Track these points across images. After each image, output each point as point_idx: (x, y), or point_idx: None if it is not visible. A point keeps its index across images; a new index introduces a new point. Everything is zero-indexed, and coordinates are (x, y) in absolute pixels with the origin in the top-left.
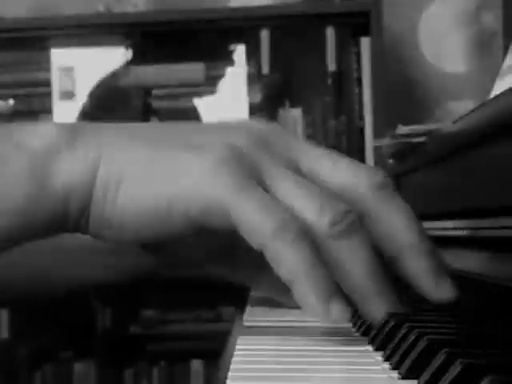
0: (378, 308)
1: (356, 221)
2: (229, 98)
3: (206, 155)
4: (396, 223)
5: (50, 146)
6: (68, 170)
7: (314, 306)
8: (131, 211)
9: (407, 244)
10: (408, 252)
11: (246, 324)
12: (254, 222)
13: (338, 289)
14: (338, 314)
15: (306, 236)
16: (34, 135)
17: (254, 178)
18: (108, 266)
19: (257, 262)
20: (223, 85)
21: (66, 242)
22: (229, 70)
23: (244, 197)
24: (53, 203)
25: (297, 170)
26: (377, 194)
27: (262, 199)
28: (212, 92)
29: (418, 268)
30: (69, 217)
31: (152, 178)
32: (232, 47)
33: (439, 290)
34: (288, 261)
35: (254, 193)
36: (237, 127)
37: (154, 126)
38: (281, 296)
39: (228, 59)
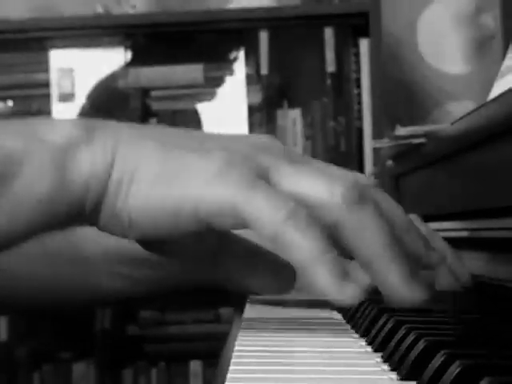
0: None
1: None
2: (228, 99)
3: (214, 157)
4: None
5: (70, 140)
6: (86, 164)
7: (329, 287)
8: (140, 208)
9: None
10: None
11: (245, 323)
12: (264, 213)
13: (348, 271)
14: (352, 293)
15: (316, 220)
16: (54, 131)
17: (260, 177)
18: (126, 277)
19: (244, 265)
20: (222, 86)
21: (87, 251)
22: (228, 77)
23: (252, 192)
24: (72, 194)
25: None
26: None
27: (270, 192)
28: (211, 94)
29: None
30: (85, 208)
31: (163, 178)
32: (233, 55)
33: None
34: (301, 247)
35: (261, 188)
36: (238, 136)
37: (165, 129)
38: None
39: (228, 67)
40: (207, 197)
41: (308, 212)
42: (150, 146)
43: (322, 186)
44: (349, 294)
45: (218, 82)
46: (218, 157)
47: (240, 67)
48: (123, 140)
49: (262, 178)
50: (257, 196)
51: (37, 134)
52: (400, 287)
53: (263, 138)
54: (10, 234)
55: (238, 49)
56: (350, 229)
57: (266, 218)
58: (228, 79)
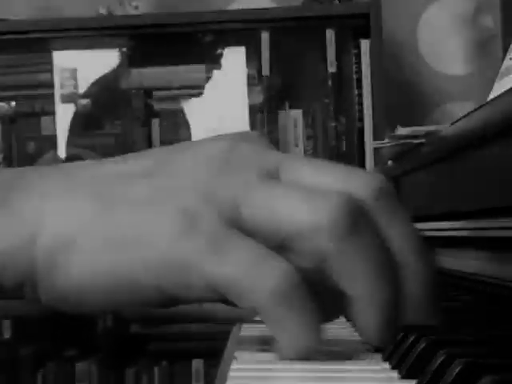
0: (376, 322)
1: (363, 206)
2: (229, 100)
3: (170, 207)
4: (397, 241)
5: None
6: None
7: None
8: (87, 281)
9: (408, 266)
10: (408, 275)
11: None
12: (244, 286)
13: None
14: None
15: (303, 290)
16: None
17: (231, 219)
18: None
19: None
20: (223, 86)
21: None
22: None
23: (225, 258)
24: None
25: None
26: (374, 203)
27: (247, 254)
28: (213, 94)
29: (413, 294)
30: (3, 288)
31: (109, 242)
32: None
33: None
34: (288, 330)
35: (235, 249)
36: (196, 149)
37: (99, 167)
38: None
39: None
40: (166, 266)
41: (301, 280)
42: (87, 200)
43: (303, 210)
44: None
45: (219, 82)
46: (175, 207)
47: (241, 67)
48: (50, 197)
49: (233, 216)
50: (230, 261)
51: None
52: (370, 331)
53: (225, 142)
54: None
55: (237, 50)
56: (336, 265)
57: (246, 291)
58: (229, 79)
